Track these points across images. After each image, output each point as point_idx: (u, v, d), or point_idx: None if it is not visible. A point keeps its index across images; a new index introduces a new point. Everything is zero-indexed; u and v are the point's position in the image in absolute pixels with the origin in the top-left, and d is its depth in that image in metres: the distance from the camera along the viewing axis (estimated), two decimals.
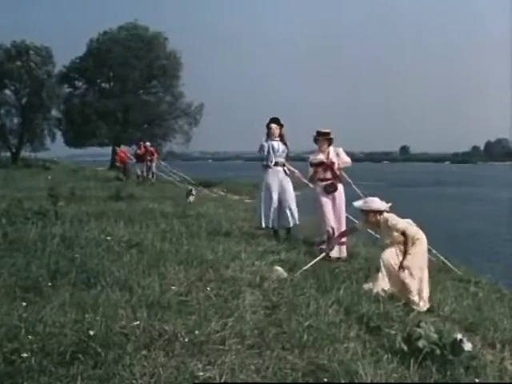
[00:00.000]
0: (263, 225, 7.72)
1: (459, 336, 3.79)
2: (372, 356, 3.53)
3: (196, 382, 2.92)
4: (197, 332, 3.45)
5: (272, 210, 7.66)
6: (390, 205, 5.64)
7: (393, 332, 4.08)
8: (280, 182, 7.74)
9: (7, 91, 38.21)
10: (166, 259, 5.24)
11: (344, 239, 6.84)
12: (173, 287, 4.34)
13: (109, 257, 5.20)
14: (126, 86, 44.32)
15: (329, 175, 7.16)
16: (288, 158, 7.96)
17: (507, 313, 5.77)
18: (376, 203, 5.64)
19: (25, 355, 3.01)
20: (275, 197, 7.67)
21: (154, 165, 21.86)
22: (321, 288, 4.99)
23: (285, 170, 7.81)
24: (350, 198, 6.83)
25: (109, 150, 45.04)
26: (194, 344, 3.32)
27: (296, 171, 7.92)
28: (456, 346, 3.69)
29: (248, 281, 4.83)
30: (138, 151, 21.98)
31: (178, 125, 45.47)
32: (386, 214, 5.53)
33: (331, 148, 7.29)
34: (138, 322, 3.50)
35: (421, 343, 3.67)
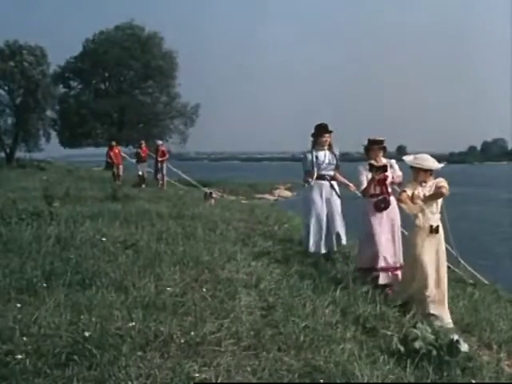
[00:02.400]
0: (311, 250, 6.56)
1: (456, 337, 3.80)
2: (368, 357, 3.53)
3: (192, 383, 2.91)
4: (192, 333, 3.44)
5: (322, 231, 6.56)
6: (443, 165, 5.28)
7: (389, 333, 4.09)
8: (326, 198, 6.62)
9: (1, 91, 38.02)
10: (161, 260, 5.23)
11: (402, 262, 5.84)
12: (168, 288, 4.33)
13: (104, 258, 5.18)
14: (122, 86, 44.24)
15: (379, 190, 5.96)
16: (338, 168, 6.82)
17: (503, 314, 5.79)
18: (428, 161, 5.26)
19: (19, 357, 3.00)
20: (323, 216, 6.57)
21: (165, 166, 19.31)
22: (317, 289, 4.99)
23: (332, 185, 6.68)
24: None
25: (104, 150, 44.83)
26: (190, 345, 3.31)
27: (351, 184, 6.67)
28: (452, 346, 3.69)
29: (244, 281, 4.82)
30: (139, 150, 19.78)
31: (173, 125, 45.42)
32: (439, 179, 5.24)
33: (384, 160, 6.13)
34: (133, 323, 3.49)
35: (417, 344, 3.68)
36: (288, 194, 34.62)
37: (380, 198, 5.92)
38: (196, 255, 5.52)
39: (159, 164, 19.06)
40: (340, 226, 6.64)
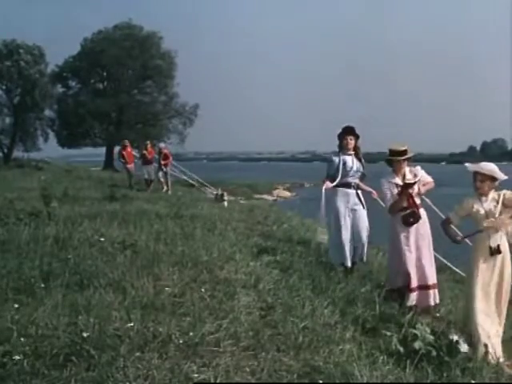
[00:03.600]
0: (335, 261, 6.25)
1: (455, 337, 3.79)
2: (368, 357, 3.52)
3: (191, 383, 2.89)
4: (191, 334, 3.42)
5: (347, 243, 6.13)
6: (506, 178, 4.83)
7: (389, 333, 4.07)
8: (352, 209, 6.19)
9: None
10: (160, 260, 5.21)
11: (434, 281, 5.46)
12: (167, 288, 4.31)
13: (102, 258, 5.17)
14: (120, 85, 44.22)
15: (406, 203, 5.43)
16: (364, 176, 6.39)
17: None
18: (492, 167, 4.84)
19: (17, 358, 2.98)
20: (348, 226, 6.14)
21: (168, 170, 18.47)
22: (316, 289, 4.98)
23: (358, 194, 6.25)
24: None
25: (102, 150, 44.97)
26: (189, 346, 3.30)
27: (374, 192, 6.30)
28: (452, 347, 3.69)
29: (243, 282, 4.80)
30: (145, 152, 18.55)
31: (172, 125, 45.42)
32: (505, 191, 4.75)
33: (407, 169, 5.60)
34: (131, 324, 3.47)
35: (417, 344, 3.67)
36: (287, 194, 34.63)
37: (408, 211, 5.41)
38: (195, 255, 5.51)
39: (162, 167, 18.16)
40: (365, 241, 6.22)
